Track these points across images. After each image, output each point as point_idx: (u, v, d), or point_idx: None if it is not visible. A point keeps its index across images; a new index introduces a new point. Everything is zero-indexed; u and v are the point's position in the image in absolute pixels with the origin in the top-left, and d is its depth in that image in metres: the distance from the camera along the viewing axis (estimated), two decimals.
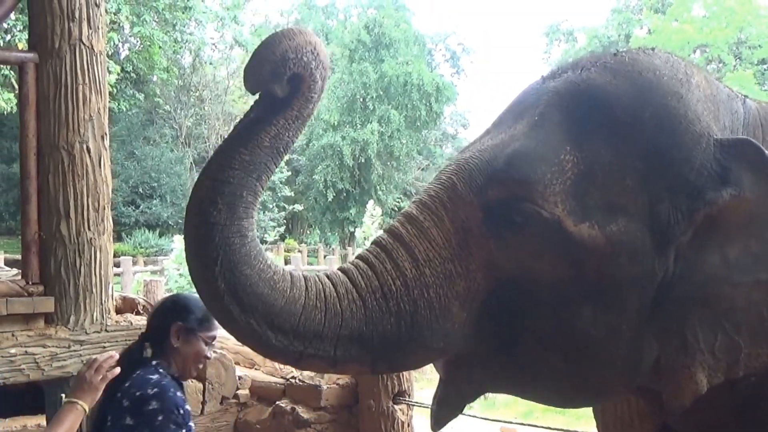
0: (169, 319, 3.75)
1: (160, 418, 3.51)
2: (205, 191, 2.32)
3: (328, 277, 2.48)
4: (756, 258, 2.44)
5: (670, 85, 2.54)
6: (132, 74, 39.74)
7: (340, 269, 2.53)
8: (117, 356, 3.49)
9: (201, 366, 3.88)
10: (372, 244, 2.58)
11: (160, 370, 3.67)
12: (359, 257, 2.55)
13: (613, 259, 2.43)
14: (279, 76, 2.28)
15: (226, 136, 2.39)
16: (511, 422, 6.69)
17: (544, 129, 2.54)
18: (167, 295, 4.14)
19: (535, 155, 2.48)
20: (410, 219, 2.54)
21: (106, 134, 5.31)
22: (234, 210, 2.30)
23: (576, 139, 2.50)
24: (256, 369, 6.56)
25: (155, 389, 3.56)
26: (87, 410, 3.44)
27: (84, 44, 5.16)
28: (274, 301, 2.34)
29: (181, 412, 3.55)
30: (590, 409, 3.23)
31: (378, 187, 47.53)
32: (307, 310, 2.38)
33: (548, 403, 2.89)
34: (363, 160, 46.44)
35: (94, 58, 5.21)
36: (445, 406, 2.67)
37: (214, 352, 5.28)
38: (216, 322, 3.44)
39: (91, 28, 5.20)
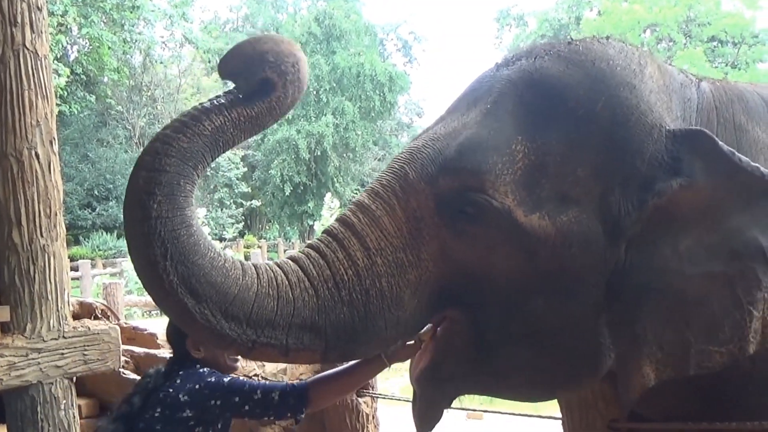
0: (183, 336, 3.69)
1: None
2: (141, 183, 2.30)
3: (278, 265, 2.48)
4: (708, 250, 2.43)
5: (623, 76, 2.55)
6: (82, 76, 39.57)
7: (290, 258, 2.53)
8: None
9: (235, 358, 3.74)
10: (323, 233, 2.59)
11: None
12: (310, 246, 2.55)
13: (565, 249, 2.43)
14: (250, 71, 2.31)
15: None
16: (475, 409, 6.69)
17: (496, 118, 2.54)
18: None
19: (487, 145, 2.48)
20: (362, 208, 2.55)
21: (54, 139, 5.23)
22: (174, 200, 2.28)
23: (528, 129, 2.50)
24: None
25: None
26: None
27: (28, 49, 5.06)
28: (227, 289, 2.34)
29: (205, 384, 3.46)
30: None
31: (335, 180, 47.50)
32: (259, 297, 2.38)
33: (527, 399, 2.86)
34: (319, 153, 46.38)
35: (38, 62, 5.13)
36: (425, 418, 2.70)
37: None
38: None
39: (34, 33, 5.10)
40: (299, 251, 2.56)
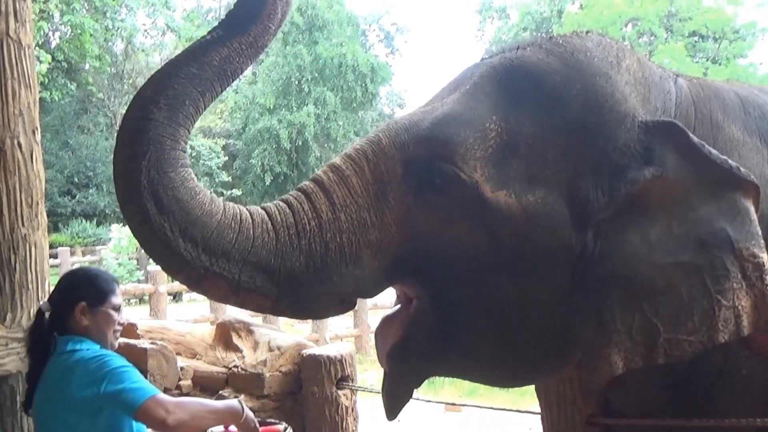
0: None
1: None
2: (149, 92, 2.37)
3: (246, 208, 2.51)
4: (677, 240, 2.47)
5: (599, 66, 2.60)
6: (63, 63, 39.38)
7: (260, 206, 2.57)
8: None
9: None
10: (295, 189, 2.62)
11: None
12: (280, 199, 2.60)
13: (529, 229, 2.48)
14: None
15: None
16: (454, 403, 6.73)
17: (474, 97, 2.60)
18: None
19: (461, 119, 2.55)
20: (333, 168, 2.60)
21: (37, 129, 5.22)
22: (174, 113, 2.35)
23: (504, 110, 2.56)
24: (198, 359, 6.52)
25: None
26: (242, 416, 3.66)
27: (11, 38, 5.04)
28: (191, 209, 2.38)
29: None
30: (533, 387, 3.26)
31: (316, 170, 46.30)
32: (221, 226, 2.41)
33: (489, 382, 2.91)
34: (300, 143, 46.22)
35: (22, 51, 5.11)
36: (394, 396, 2.71)
37: (154, 343, 5.27)
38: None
39: (18, 22, 5.09)
40: (270, 202, 2.61)
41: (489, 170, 2.50)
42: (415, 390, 2.75)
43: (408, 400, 2.75)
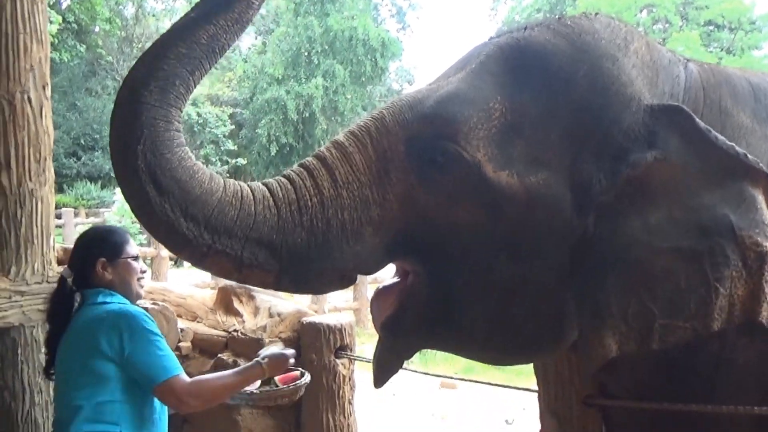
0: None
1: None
2: (139, 74, 2.38)
3: (247, 184, 2.52)
4: (678, 225, 2.45)
5: (606, 48, 2.59)
6: (74, 24, 39.23)
7: (261, 182, 2.57)
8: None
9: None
10: (297, 165, 2.63)
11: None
12: (282, 175, 2.60)
13: (530, 210, 2.48)
14: None
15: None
16: (451, 377, 6.74)
17: (479, 77, 2.60)
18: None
19: (465, 98, 2.54)
20: (336, 144, 2.61)
21: (47, 84, 5.24)
22: (165, 94, 2.36)
23: (509, 90, 2.55)
24: (198, 322, 6.54)
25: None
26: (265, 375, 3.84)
27: None
28: (191, 188, 2.39)
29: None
30: (531, 365, 3.28)
31: (322, 142, 46.90)
32: (222, 204, 2.42)
33: (482, 359, 2.91)
34: (307, 115, 46.08)
35: (35, 7, 5.13)
36: (384, 365, 2.74)
37: (156, 304, 5.30)
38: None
39: None
40: (271, 178, 2.62)
41: (492, 150, 2.49)
42: (406, 361, 2.78)
43: (397, 371, 2.78)
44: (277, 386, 3.98)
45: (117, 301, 3.74)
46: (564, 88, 2.54)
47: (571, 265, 2.52)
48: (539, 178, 2.48)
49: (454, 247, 2.54)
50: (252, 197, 2.48)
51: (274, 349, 3.85)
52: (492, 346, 2.70)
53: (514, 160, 2.50)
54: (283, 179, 2.58)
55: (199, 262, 2.49)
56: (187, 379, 3.63)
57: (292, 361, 3.92)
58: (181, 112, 2.45)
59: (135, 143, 2.33)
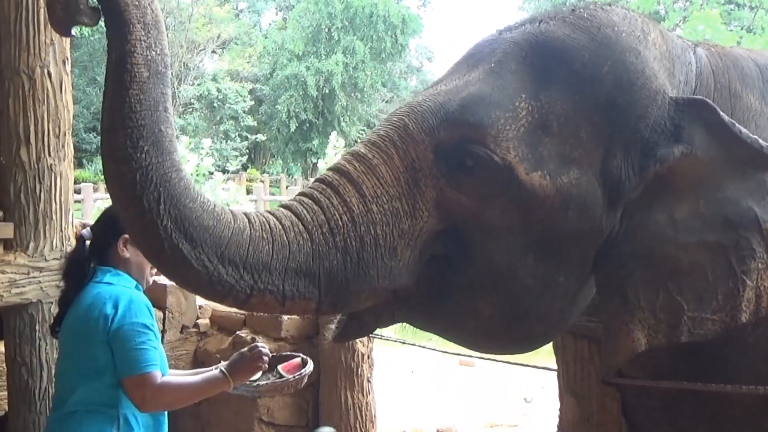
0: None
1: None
2: (122, 139, 2.14)
3: (269, 212, 2.42)
4: (704, 219, 2.46)
5: (628, 41, 2.57)
6: None
7: (281, 206, 2.48)
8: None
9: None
10: (315, 181, 2.54)
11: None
12: (301, 194, 2.50)
13: (562, 211, 2.45)
14: (74, 10, 2.31)
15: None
16: (470, 355, 6.72)
17: (500, 76, 2.55)
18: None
19: (490, 100, 2.49)
20: (358, 157, 2.52)
21: (67, 59, 5.19)
22: (161, 146, 2.17)
23: (532, 88, 2.52)
24: None
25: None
26: (231, 388, 3.74)
27: None
28: (221, 232, 2.26)
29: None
30: (550, 344, 3.26)
31: (341, 119, 47.34)
32: (254, 241, 2.31)
33: (477, 349, 2.90)
34: (327, 91, 46.21)
35: None
36: (354, 330, 2.74)
37: None
38: None
39: None
40: (290, 200, 2.51)
41: (522, 151, 2.45)
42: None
43: (364, 334, 2.85)
44: (281, 376, 3.94)
45: (122, 284, 3.72)
46: (589, 85, 2.51)
47: (596, 261, 2.52)
48: (571, 177, 2.46)
49: (482, 246, 2.49)
50: (280, 226, 2.37)
51: (235, 356, 3.78)
52: (497, 339, 2.69)
53: (545, 159, 2.46)
54: (306, 200, 2.46)
55: (243, 304, 2.39)
56: (159, 378, 3.58)
57: (266, 357, 3.78)
58: (177, 150, 2.28)
59: (156, 205, 2.15)
